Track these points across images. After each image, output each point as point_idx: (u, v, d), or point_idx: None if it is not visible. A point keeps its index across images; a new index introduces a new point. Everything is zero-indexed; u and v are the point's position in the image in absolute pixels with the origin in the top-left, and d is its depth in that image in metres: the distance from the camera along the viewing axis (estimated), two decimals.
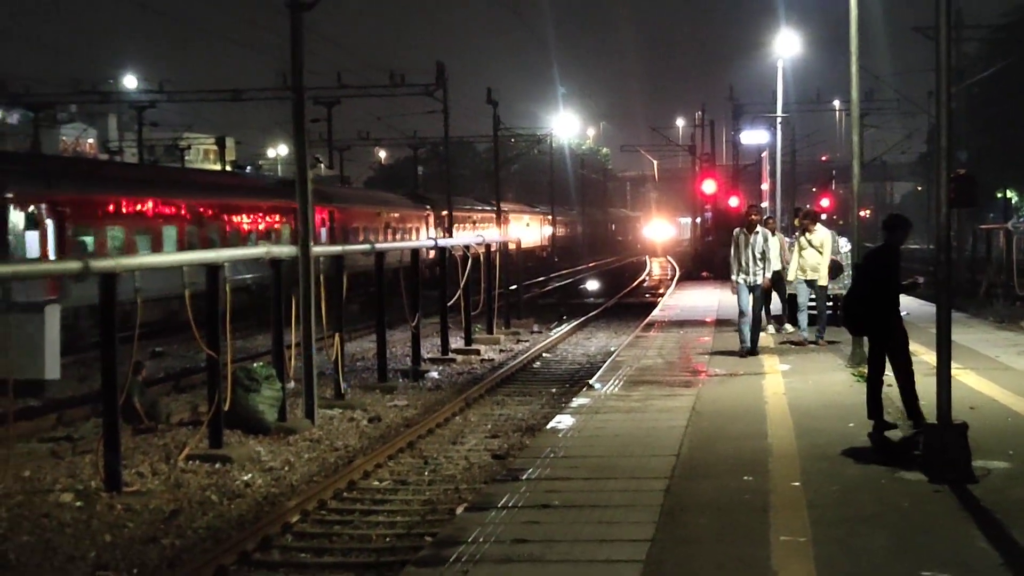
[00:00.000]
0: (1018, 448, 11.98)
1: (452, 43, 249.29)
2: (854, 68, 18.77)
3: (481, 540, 9.13)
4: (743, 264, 20.60)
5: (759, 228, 20.81)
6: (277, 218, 40.99)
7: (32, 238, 27.26)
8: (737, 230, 21.08)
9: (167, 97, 55.97)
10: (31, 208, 27.34)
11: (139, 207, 32.29)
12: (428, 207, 59.85)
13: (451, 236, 48.98)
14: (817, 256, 22.22)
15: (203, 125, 75.50)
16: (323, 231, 43.76)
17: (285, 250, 19.29)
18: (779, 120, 45.15)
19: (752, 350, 20.63)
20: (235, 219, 38.23)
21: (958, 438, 10.77)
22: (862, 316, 13.07)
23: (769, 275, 21.00)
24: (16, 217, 26.91)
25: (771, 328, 24.36)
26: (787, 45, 45.03)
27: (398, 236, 52.40)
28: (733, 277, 20.86)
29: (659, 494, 10.44)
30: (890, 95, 64.16)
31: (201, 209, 35.73)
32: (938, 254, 11.07)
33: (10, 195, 26.81)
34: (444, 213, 57.31)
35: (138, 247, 31.01)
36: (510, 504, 10.26)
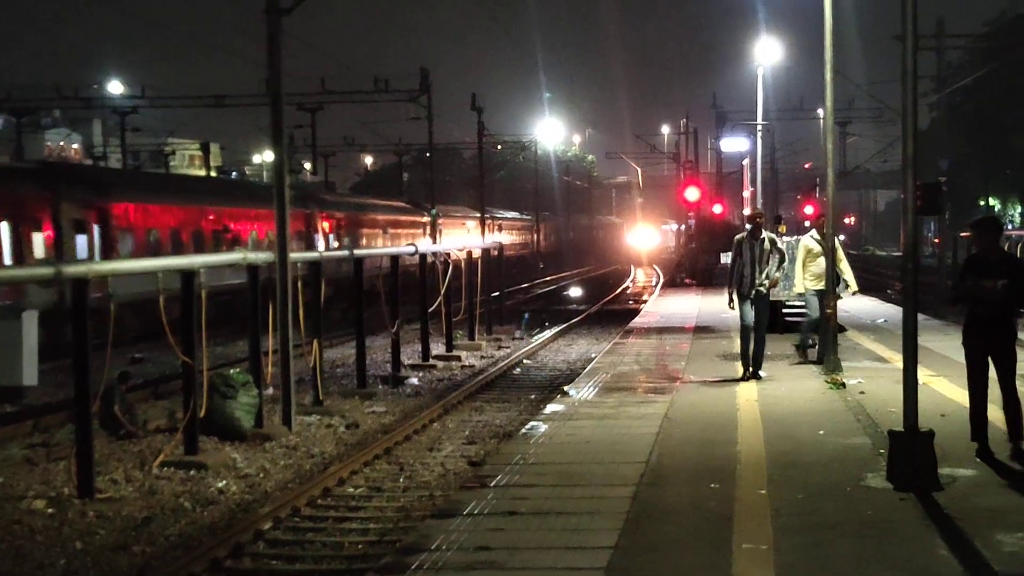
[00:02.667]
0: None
1: (436, 48, 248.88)
2: (828, 76, 18.81)
3: (445, 548, 9.16)
4: (745, 275, 18.35)
5: (764, 234, 18.56)
6: (419, 230, 59.84)
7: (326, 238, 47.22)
8: (739, 236, 18.81)
9: (150, 102, 56.02)
10: (326, 220, 48.04)
11: (369, 220, 53.75)
12: (489, 216, 70.41)
13: (434, 242, 49.51)
14: (822, 263, 19.74)
15: (187, 131, 75.54)
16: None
17: (262, 256, 19.29)
18: (759, 127, 45.27)
19: (755, 373, 18.35)
20: (399, 230, 57.32)
21: (924, 445, 10.81)
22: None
23: (777, 282, 18.93)
24: (320, 225, 47.22)
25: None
26: (767, 53, 45.25)
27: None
28: (732, 290, 18.60)
29: (625, 501, 10.47)
30: (872, 104, 64.43)
31: (386, 221, 56.97)
32: (905, 261, 11.15)
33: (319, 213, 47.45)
34: (498, 220, 70.10)
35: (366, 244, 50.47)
36: (476, 511, 10.28)
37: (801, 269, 20.34)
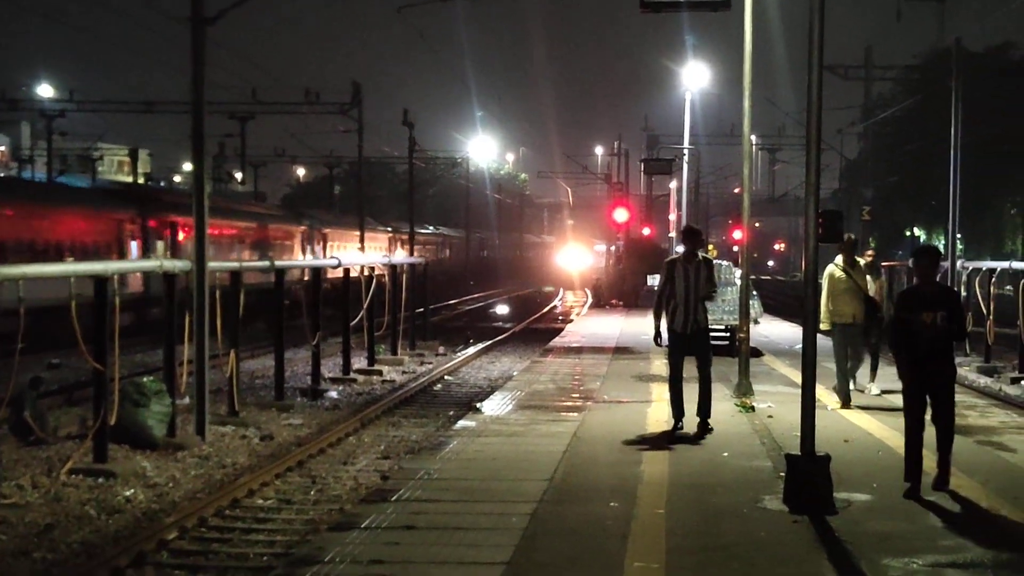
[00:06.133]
0: (883, 481, 12.20)
1: (368, 65, 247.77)
2: (746, 104, 19.04)
3: (338, 560, 9.18)
4: (678, 306, 15.12)
5: (701, 256, 15.45)
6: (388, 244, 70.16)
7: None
8: (671, 258, 15.92)
9: (77, 107, 55.54)
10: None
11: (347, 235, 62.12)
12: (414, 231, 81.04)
13: (360, 256, 49.47)
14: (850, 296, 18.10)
15: (115, 136, 74.96)
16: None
17: (179, 264, 19.20)
18: (686, 152, 45.71)
19: (703, 424, 15.28)
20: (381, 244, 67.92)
21: (820, 469, 10.99)
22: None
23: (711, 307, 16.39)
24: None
25: (872, 388, 19.92)
26: (695, 79, 45.72)
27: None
28: (661, 324, 15.28)
29: (524, 518, 10.55)
30: (802, 131, 65.12)
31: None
32: (806, 287, 11.37)
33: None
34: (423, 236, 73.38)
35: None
36: (374, 525, 10.32)
37: (827, 302, 17.87)
